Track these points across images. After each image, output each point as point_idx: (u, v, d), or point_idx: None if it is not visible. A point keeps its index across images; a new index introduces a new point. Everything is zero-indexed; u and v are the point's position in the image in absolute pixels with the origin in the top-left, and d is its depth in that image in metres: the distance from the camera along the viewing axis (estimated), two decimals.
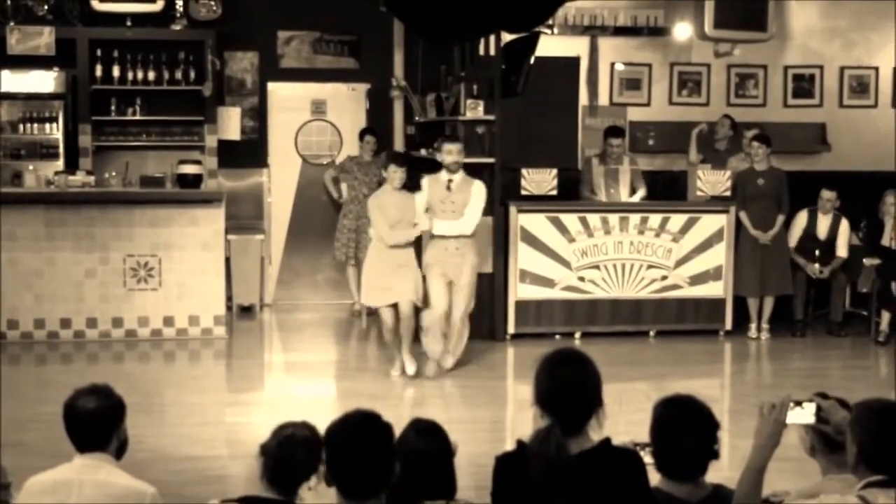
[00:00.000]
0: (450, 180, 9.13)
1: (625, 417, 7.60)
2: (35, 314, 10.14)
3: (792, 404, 3.48)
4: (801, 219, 11.02)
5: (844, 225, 10.98)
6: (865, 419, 3.29)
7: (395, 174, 8.99)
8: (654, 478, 3.58)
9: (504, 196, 10.39)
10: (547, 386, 3.45)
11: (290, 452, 3.69)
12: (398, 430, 3.66)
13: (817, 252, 10.90)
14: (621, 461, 3.42)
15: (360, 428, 3.36)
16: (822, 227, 10.98)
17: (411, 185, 9.28)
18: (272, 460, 3.72)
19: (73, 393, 3.91)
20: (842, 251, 10.95)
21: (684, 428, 3.49)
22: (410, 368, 9.02)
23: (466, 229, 9.09)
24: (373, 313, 11.85)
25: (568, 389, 3.43)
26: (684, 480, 3.50)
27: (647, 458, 3.56)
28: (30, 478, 4.00)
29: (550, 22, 11.68)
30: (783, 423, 3.46)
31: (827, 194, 10.92)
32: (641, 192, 11.05)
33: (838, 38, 13.16)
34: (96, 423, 3.83)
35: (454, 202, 9.08)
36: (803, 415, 3.49)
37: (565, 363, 3.51)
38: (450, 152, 9.13)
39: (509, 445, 7.39)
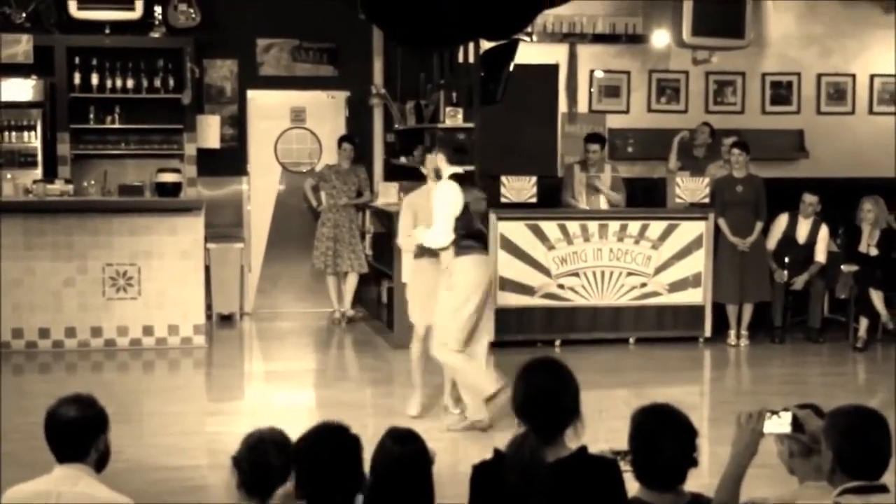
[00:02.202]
0: None
1: (604, 425, 7.60)
2: (13, 323, 10.08)
3: (769, 414, 3.50)
4: (781, 222, 11.06)
5: (824, 231, 11.02)
6: (841, 424, 3.31)
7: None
8: (632, 486, 3.58)
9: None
10: (522, 393, 3.47)
11: (262, 457, 3.70)
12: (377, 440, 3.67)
13: (794, 257, 10.94)
14: (597, 470, 3.43)
15: (327, 440, 3.38)
16: (802, 231, 11.02)
17: None
18: (246, 466, 3.72)
19: (55, 402, 3.89)
20: (820, 256, 10.99)
21: (663, 437, 3.49)
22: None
23: (431, 241, 7.62)
24: (353, 321, 11.93)
25: (542, 397, 3.45)
26: (663, 489, 3.50)
27: (626, 467, 3.57)
28: (7, 489, 3.98)
29: (529, 29, 11.73)
30: (760, 432, 3.47)
31: (809, 198, 10.96)
32: (615, 196, 11.03)
33: (815, 45, 13.25)
34: (76, 433, 3.81)
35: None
36: (780, 424, 3.51)
37: (540, 371, 3.53)
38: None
39: (489, 454, 7.42)
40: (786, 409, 3.54)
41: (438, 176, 7.75)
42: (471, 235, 7.60)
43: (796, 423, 3.51)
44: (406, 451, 3.65)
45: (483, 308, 7.67)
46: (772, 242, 11.02)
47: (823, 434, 3.34)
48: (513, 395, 3.49)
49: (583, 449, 3.44)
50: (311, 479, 3.33)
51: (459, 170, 7.71)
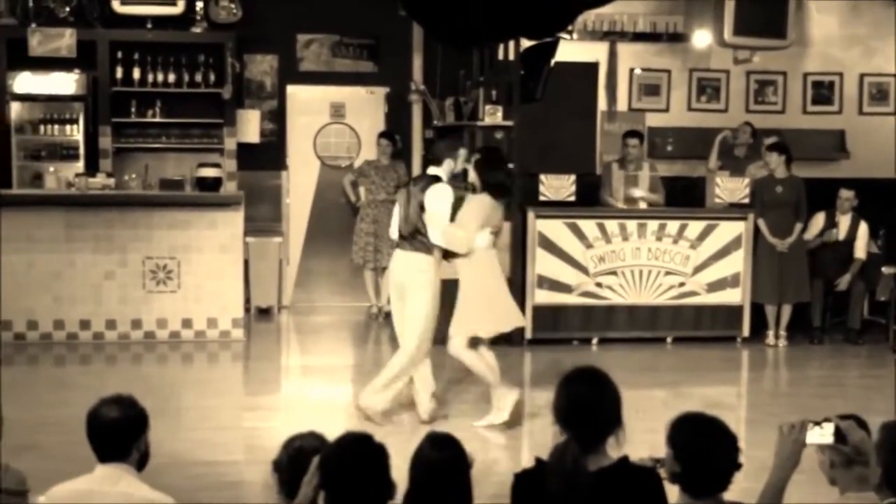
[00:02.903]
0: None
1: (641, 425, 7.56)
2: (54, 315, 10.19)
3: (811, 425, 3.48)
4: (818, 220, 10.98)
5: (863, 227, 10.93)
6: (891, 440, 3.29)
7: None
8: (672, 493, 3.57)
9: (522, 202, 10.40)
10: (563, 403, 3.46)
11: (301, 465, 3.72)
12: (415, 437, 3.68)
13: (834, 255, 10.86)
14: (639, 479, 3.43)
15: (352, 451, 3.40)
16: (842, 227, 10.95)
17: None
18: (286, 475, 3.75)
19: (97, 402, 3.92)
20: (860, 253, 10.89)
21: (708, 445, 3.47)
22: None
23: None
24: (390, 316, 11.94)
25: (583, 407, 3.44)
26: (707, 497, 3.49)
27: (665, 475, 3.55)
28: (51, 487, 4.02)
29: (570, 27, 11.68)
30: (802, 443, 3.46)
31: (845, 193, 10.90)
32: (654, 197, 11.00)
33: (858, 45, 13.12)
34: (118, 433, 3.85)
35: None
36: (822, 435, 3.49)
37: (582, 380, 3.51)
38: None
39: (526, 453, 7.42)
40: (828, 420, 3.52)
41: None
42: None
43: (839, 434, 3.49)
44: (444, 455, 3.66)
45: (403, 306, 7.77)
46: (809, 235, 10.91)
47: (875, 449, 3.33)
48: (554, 403, 3.49)
49: (624, 458, 3.44)
50: (338, 491, 3.34)
51: (438, 172, 7.69)
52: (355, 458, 3.39)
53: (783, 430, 3.48)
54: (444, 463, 3.65)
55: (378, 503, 3.40)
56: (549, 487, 3.29)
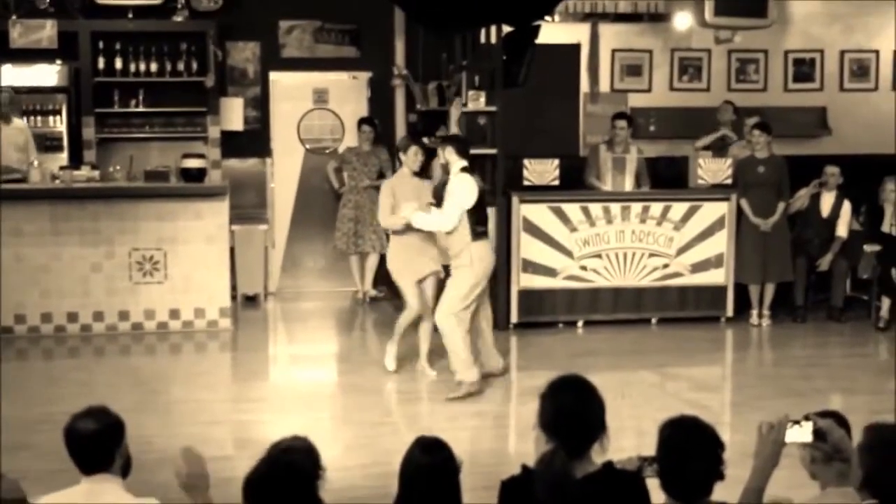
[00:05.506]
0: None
1: (628, 410, 7.67)
2: (42, 308, 10.21)
3: (790, 423, 3.54)
4: (801, 193, 11.03)
5: (846, 206, 11.00)
6: (877, 448, 3.35)
7: (416, 157, 8.75)
8: (657, 496, 3.63)
9: (506, 186, 10.44)
10: (550, 412, 3.53)
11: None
12: (402, 432, 3.74)
13: (817, 232, 10.94)
14: (624, 484, 3.49)
15: (278, 478, 3.47)
16: (826, 204, 11.02)
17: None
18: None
19: (70, 418, 3.96)
20: (842, 230, 10.97)
21: (691, 450, 3.51)
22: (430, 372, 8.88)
23: (437, 226, 8.47)
24: (376, 300, 12.02)
25: (570, 416, 3.50)
26: (689, 501, 3.56)
27: (651, 474, 3.61)
28: (44, 490, 4.08)
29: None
30: (782, 442, 3.51)
31: (831, 169, 10.96)
32: (645, 189, 11.07)
33: (838, 22, 13.18)
34: (98, 444, 3.89)
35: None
36: (801, 433, 3.55)
37: (567, 390, 3.57)
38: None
39: (513, 441, 7.50)
40: (807, 419, 3.57)
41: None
42: (481, 221, 8.51)
43: (818, 433, 3.55)
44: (434, 460, 3.73)
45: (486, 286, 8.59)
46: (797, 204, 10.97)
47: (858, 450, 3.39)
48: (540, 412, 3.56)
49: (609, 464, 3.51)
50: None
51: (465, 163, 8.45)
52: (280, 480, 3.43)
53: (762, 430, 3.53)
54: (434, 468, 3.71)
55: None
56: (537, 494, 3.36)
